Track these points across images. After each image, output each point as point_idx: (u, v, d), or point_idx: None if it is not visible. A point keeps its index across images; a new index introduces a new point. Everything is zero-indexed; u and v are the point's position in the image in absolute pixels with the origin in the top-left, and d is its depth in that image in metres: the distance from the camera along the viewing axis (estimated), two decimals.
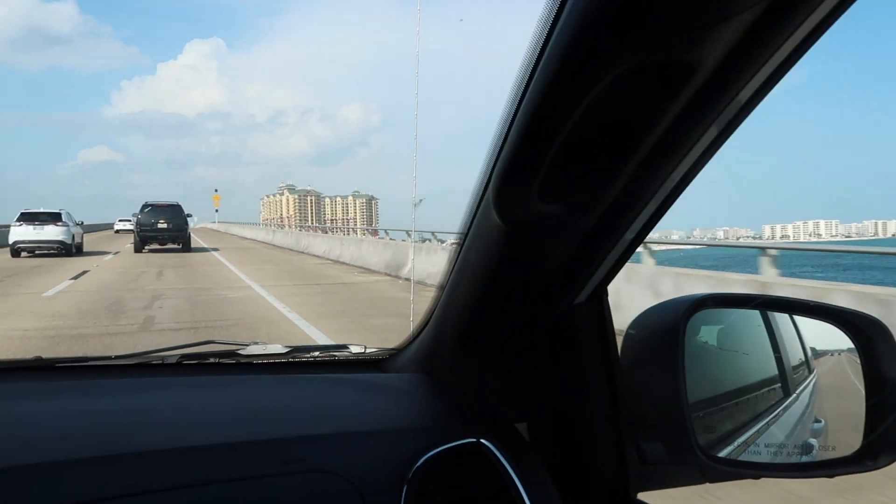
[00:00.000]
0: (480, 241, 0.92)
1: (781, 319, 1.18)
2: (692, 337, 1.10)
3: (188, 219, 29.35)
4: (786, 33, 0.62)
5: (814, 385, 1.21)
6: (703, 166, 0.79)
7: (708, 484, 1.03)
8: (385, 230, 23.63)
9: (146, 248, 27.41)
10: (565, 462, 1.03)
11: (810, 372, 1.23)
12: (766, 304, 1.09)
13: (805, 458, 1.03)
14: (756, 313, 1.16)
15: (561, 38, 0.63)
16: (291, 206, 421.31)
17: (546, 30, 0.65)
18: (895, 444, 1.00)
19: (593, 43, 0.62)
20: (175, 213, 28.72)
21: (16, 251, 24.05)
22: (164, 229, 27.90)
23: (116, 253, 26.56)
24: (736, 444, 1.05)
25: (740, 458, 1.01)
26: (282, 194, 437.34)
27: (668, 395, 0.97)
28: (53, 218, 24.78)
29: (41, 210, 25.24)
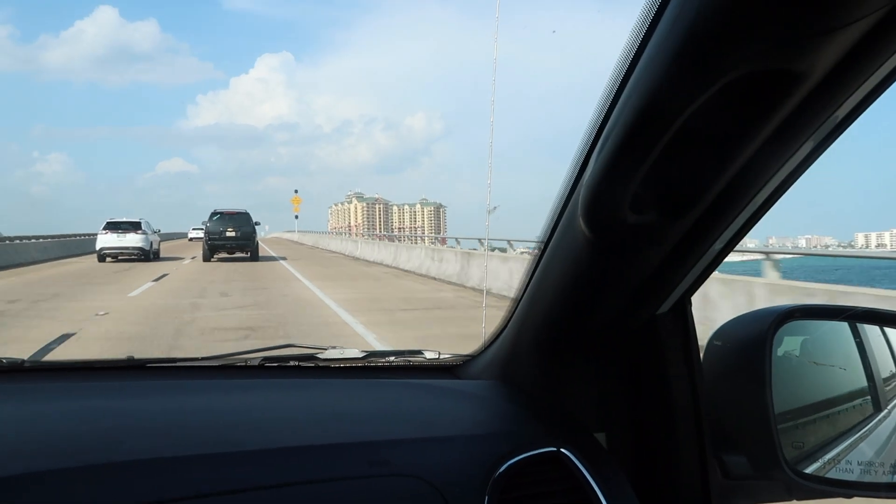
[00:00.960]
0: (563, 250, 0.92)
1: (871, 331, 1.14)
2: (777, 348, 1.07)
3: (256, 227, 28.78)
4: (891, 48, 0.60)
5: None
6: (798, 176, 0.77)
7: (795, 501, 0.99)
8: (456, 238, 22.73)
9: (215, 256, 27.14)
10: (645, 474, 1.01)
11: (893, 392, 1.17)
12: (857, 317, 1.05)
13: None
14: (845, 326, 1.12)
15: (663, 48, 0.62)
16: (359, 214, 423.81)
17: (640, 39, 0.65)
18: None
19: (697, 53, 0.61)
20: (243, 221, 28.22)
21: (101, 257, 26.82)
22: (233, 237, 27.50)
23: (193, 258, 28.12)
24: (824, 460, 1.01)
25: (829, 476, 0.97)
26: (350, 202, 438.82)
27: (753, 407, 0.94)
28: (134, 227, 27.40)
29: (123, 219, 27.88)
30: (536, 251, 1.01)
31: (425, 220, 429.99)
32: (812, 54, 0.60)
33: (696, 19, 0.58)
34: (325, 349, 1.29)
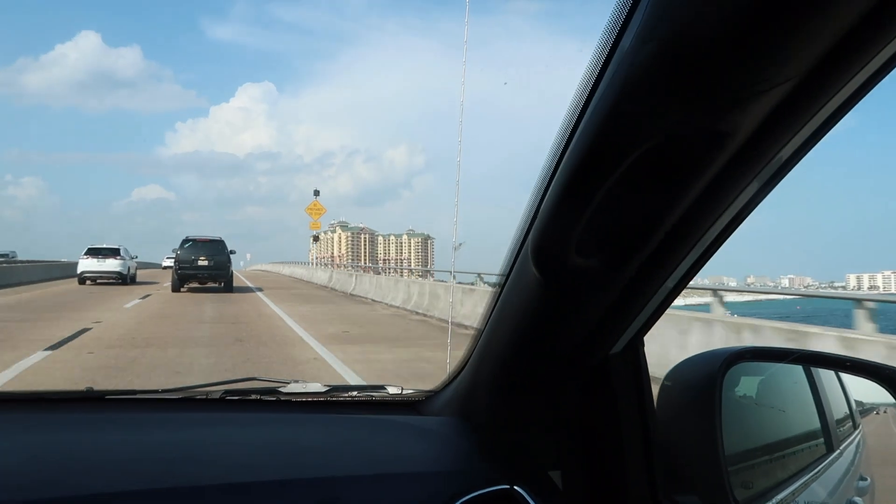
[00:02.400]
0: (518, 290, 0.94)
1: (825, 374, 1.16)
2: (730, 389, 1.08)
3: (231, 255, 26.73)
4: (821, 101, 0.63)
5: (859, 441, 1.17)
6: (742, 220, 0.80)
7: None
8: (429, 272, 22.74)
9: (185, 286, 25.35)
10: None
11: (855, 428, 1.20)
12: (805, 359, 1.07)
13: None
14: (798, 367, 1.14)
15: (602, 103, 0.65)
16: (344, 244, 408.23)
17: (587, 92, 0.68)
18: None
19: (634, 112, 0.64)
20: (217, 250, 26.28)
21: (82, 279, 29.04)
22: (205, 267, 25.62)
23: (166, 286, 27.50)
24: (775, 500, 1.02)
25: None
26: (334, 231, 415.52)
27: (704, 448, 0.95)
28: (113, 252, 29.91)
29: (103, 245, 30.24)
30: (497, 288, 1.02)
31: (412, 251, 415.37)
32: (741, 114, 0.63)
33: (627, 78, 0.62)
34: (288, 383, 1.30)
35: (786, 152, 0.69)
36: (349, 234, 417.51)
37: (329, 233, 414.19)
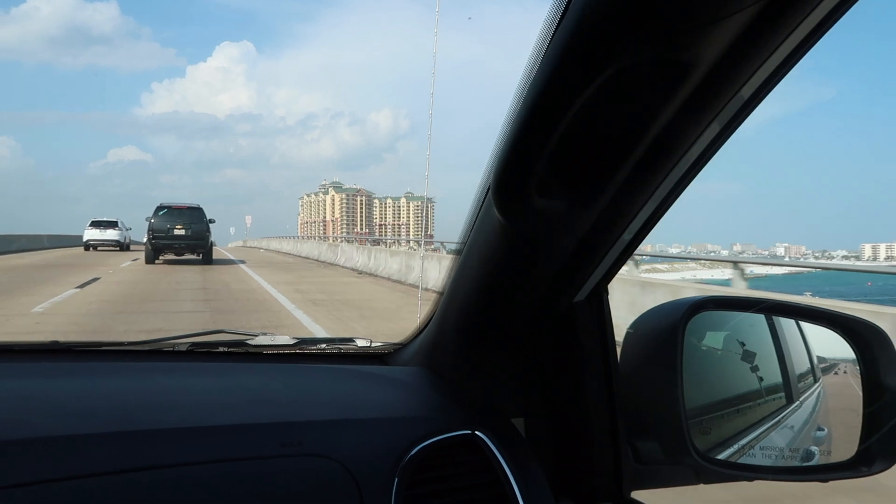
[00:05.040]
0: (482, 239, 0.94)
1: (788, 327, 1.17)
2: (696, 340, 1.09)
3: (210, 224, 25.27)
4: (783, 33, 0.62)
5: (819, 393, 1.19)
6: (702, 167, 0.80)
7: (702, 485, 1.02)
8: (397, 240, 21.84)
9: (160, 258, 24.26)
10: (561, 458, 1.03)
11: (816, 380, 1.21)
12: (768, 309, 1.07)
13: (801, 463, 1.01)
14: (762, 319, 1.15)
15: (559, 38, 0.64)
16: (337, 207, 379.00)
17: (550, 32, 0.66)
18: (891, 450, 0.98)
19: (589, 41, 0.63)
20: (195, 218, 24.67)
21: (87, 246, 36.33)
22: (182, 237, 24.15)
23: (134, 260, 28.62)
24: (734, 447, 1.04)
25: (736, 461, 1.00)
26: (326, 193, 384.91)
27: (664, 395, 0.96)
28: (112, 224, 37.37)
29: (104, 219, 37.88)
30: (460, 242, 1.02)
31: (411, 216, 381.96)
32: (698, 45, 0.62)
33: (585, 10, 0.60)
34: (256, 335, 1.30)
35: (747, 90, 0.68)
36: (343, 195, 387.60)
37: (321, 194, 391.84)
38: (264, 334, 1.31)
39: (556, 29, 0.65)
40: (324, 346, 1.33)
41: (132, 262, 24.34)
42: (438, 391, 1.09)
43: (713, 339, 1.13)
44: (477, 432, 0.92)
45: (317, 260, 31.53)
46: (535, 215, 0.82)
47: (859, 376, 1.05)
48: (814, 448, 1.15)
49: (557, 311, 0.99)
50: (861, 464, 1.00)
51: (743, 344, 1.17)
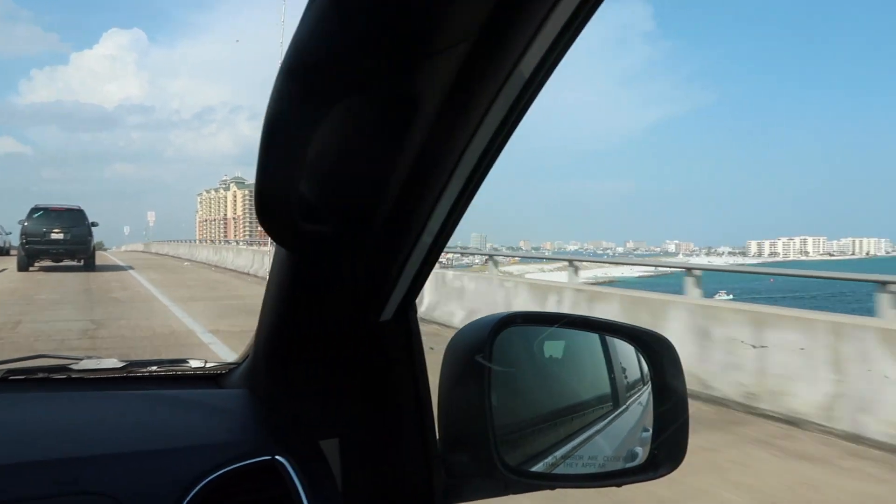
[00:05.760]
0: (277, 260, 0.94)
1: (616, 342, 1.22)
2: (524, 355, 1.13)
3: (93, 228, 23.49)
4: (508, 62, 0.65)
5: (647, 396, 1.24)
6: (473, 185, 0.81)
7: (513, 495, 1.06)
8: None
9: (36, 264, 22.50)
10: (376, 477, 1.05)
11: (644, 383, 1.26)
12: (570, 323, 1.13)
13: (597, 469, 1.07)
14: (595, 336, 1.20)
15: (284, 76, 0.63)
16: (239, 204, 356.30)
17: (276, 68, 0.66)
18: (675, 453, 1.05)
19: (311, 78, 0.63)
20: (75, 221, 22.85)
21: None
22: (60, 241, 22.33)
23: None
24: (545, 458, 1.08)
25: (539, 471, 1.04)
26: (227, 189, 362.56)
27: (474, 410, 0.99)
28: None
29: None
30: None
31: None
32: (422, 79, 0.64)
33: (303, 47, 0.61)
34: (81, 359, 1.25)
35: (501, 104, 0.70)
36: (247, 191, 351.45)
37: (221, 190, 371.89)
38: (89, 357, 1.26)
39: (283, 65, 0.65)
40: (154, 368, 1.29)
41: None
42: (251, 415, 1.08)
43: (553, 350, 1.17)
44: (277, 457, 0.92)
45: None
46: (309, 242, 0.82)
47: (649, 384, 1.12)
48: (638, 449, 1.21)
49: (366, 330, 1.00)
50: (650, 467, 1.06)
51: (575, 355, 1.22)
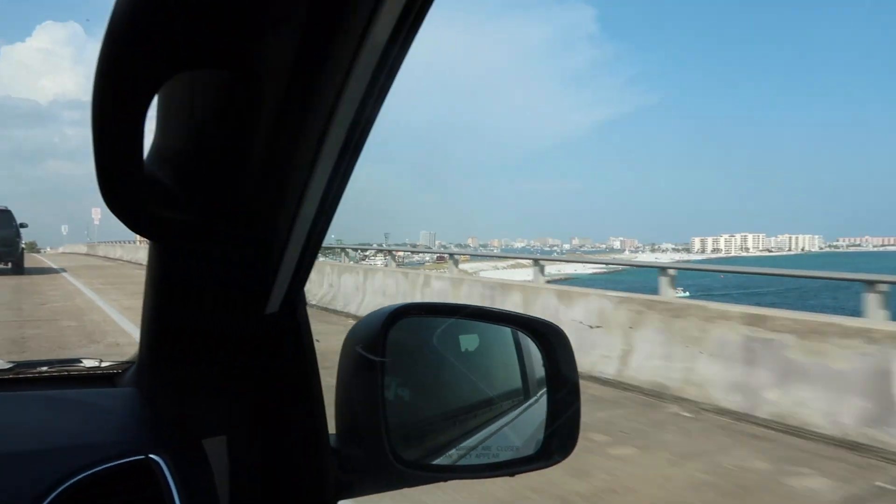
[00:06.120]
0: (151, 254, 0.90)
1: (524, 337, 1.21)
2: (421, 346, 1.12)
3: (21, 229, 22.29)
4: (356, 30, 0.62)
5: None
6: (345, 169, 0.78)
7: (407, 489, 1.05)
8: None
9: None
10: (266, 474, 1.02)
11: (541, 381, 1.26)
12: (467, 315, 1.12)
13: (490, 460, 1.06)
14: (506, 330, 1.19)
15: (105, 55, 0.59)
16: None
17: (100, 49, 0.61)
18: (566, 442, 1.05)
19: (132, 55, 0.59)
20: (1, 222, 21.50)
21: None
22: None
23: None
24: (448, 450, 1.07)
25: (436, 463, 1.03)
26: None
27: (367, 403, 0.98)
28: None
29: None
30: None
31: None
32: (260, 53, 0.62)
33: (122, 21, 0.57)
34: None
35: (354, 88, 0.67)
36: None
37: None
38: None
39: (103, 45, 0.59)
40: (45, 368, 1.24)
41: None
42: (132, 414, 1.04)
43: (468, 343, 1.16)
44: (151, 456, 0.88)
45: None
46: (169, 231, 0.78)
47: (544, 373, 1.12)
48: (540, 438, 1.20)
49: (252, 324, 0.97)
50: (542, 456, 1.06)
51: (482, 350, 1.21)
